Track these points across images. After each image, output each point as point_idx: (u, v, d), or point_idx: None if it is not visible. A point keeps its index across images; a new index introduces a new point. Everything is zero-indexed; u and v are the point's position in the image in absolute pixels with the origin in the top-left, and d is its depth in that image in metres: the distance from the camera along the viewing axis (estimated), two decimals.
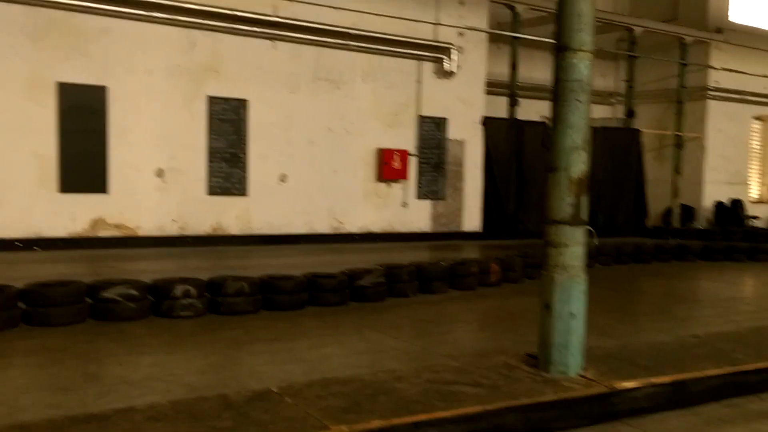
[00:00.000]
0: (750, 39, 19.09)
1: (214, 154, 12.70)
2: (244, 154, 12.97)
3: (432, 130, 15.03)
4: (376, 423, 4.14)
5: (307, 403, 4.38)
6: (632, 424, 4.81)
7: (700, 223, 18.85)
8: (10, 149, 11.01)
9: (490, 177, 15.81)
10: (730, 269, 13.50)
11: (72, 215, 11.52)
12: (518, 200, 16.18)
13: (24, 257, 10.56)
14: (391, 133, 14.49)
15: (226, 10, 12.35)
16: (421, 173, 14.95)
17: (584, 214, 5.08)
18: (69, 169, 11.43)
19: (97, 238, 11.69)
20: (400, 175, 14.49)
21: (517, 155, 16.17)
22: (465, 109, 15.34)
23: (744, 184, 20.11)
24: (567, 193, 5.02)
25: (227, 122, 12.79)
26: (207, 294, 7.61)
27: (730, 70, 18.88)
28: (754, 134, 20.73)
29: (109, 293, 7.09)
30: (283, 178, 13.38)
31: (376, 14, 13.74)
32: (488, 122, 15.71)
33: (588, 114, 5.07)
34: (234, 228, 12.98)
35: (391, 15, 13.90)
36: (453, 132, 15.27)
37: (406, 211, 14.83)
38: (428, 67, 14.83)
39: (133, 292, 7.19)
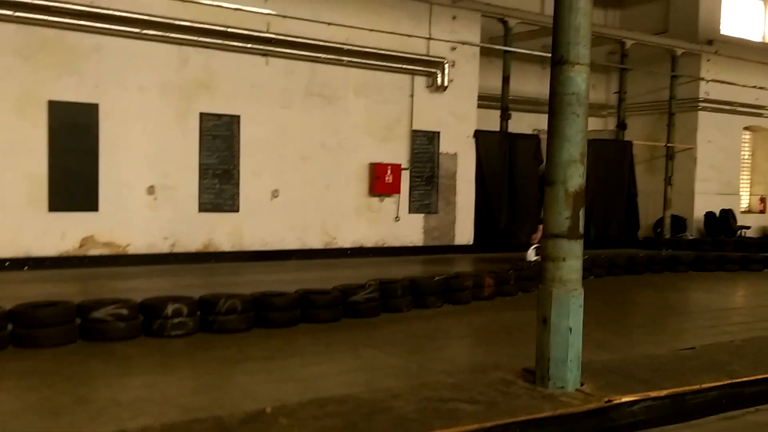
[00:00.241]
0: (740, 50, 19.24)
1: (206, 171, 12.63)
2: (237, 170, 12.92)
3: (424, 144, 15.03)
4: None
5: (302, 423, 4.31)
6: None
7: (692, 234, 18.88)
8: (0, 168, 10.91)
9: (482, 190, 15.80)
10: (722, 279, 13.51)
11: (62, 234, 11.42)
12: (510, 213, 16.16)
13: (13, 277, 10.44)
14: (383, 147, 14.47)
15: (219, 26, 12.33)
16: (413, 187, 14.92)
17: (581, 228, 5.05)
18: (59, 188, 11.34)
19: (87, 256, 11.59)
20: (392, 190, 14.46)
21: (510, 168, 16.18)
22: (457, 122, 15.35)
23: (735, 194, 20.17)
24: (564, 207, 4.99)
25: (219, 139, 12.74)
26: (199, 312, 7.52)
27: (721, 82, 18.99)
28: (745, 145, 20.84)
29: (100, 313, 6.99)
30: (275, 194, 13.32)
31: (368, 29, 13.76)
32: (480, 136, 15.72)
33: (585, 127, 5.06)
34: (226, 245, 12.89)
35: (383, 30, 13.93)
36: (445, 146, 15.27)
37: (398, 225, 14.79)
38: (421, 81, 14.85)
39: (124, 311, 7.09)
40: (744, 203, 20.88)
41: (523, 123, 17.83)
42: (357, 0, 13.81)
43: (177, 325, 7.23)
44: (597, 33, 17.08)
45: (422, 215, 15.09)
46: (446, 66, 14.86)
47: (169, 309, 7.21)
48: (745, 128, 20.51)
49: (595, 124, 19.68)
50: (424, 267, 12.64)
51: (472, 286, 9.79)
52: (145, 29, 11.78)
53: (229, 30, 12.43)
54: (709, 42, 18.99)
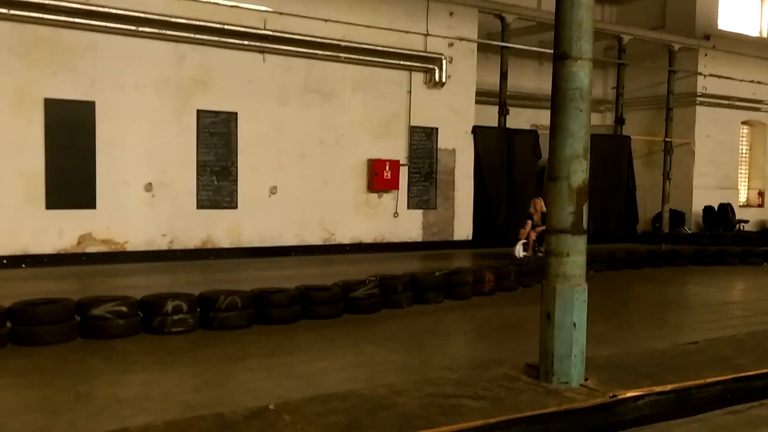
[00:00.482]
0: (738, 45, 19.24)
1: (203, 168, 12.58)
2: (234, 167, 12.87)
3: (423, 140, 14.99)
4: None
5: (306, 420, 4.27)
6: None
7: (690, 228, 18.90)
8: None
9: (480, 186, 15.78)
10: (722, 273, 13.51)
11: (59, 231, 11.36)
12: (509, 208, 16.14)
13: (11, 274, 10.39)
14: (381, 143, 14.43)
15: (215, 23, 12.26)
16: (411, 183, 14.88)
17: (585, 223, 5.01)
18: (56, 185, 11.28)
19: (85, 253, 11.53)
20: (391, 186, 14.42)
21: (508, 164, 16.16)
22: (455, 118, 15.31)
23: (733, 188, 20.19)
24: (568, 202, 4.95)
25: (217, 135, 12.68)
26: (199, 309, 7.47)
27: (719, 77, 19.00)
28: (743, 139, 20.85)
29: (99, 310, 6.95)
30: (273, 191, 13.28)
31: (366, 26, 13.71)
32: (478, 131, 15.69)
33: (588, 122, 5.02)
34: (224, 241, 12.85)
35: (380, 26, 13.89)
36: (444, 141, 15.23)
37: (397, 221, 14.76)
38: (418, 77, 14.80)
39: (124, 308, 7.06)
40: (742, 197, 20.90)
41: (521, 118, 17.82)
42: None
43: (177, 322, 7.19)
44: (594, 28, 17.01)
45: (421, 211, 15.06)
46: (444, 62, 14.81)
47: (169, 306, 7.18)
48: (743, 123, 20.54)
49: (593, 119, 19.41)
50: (424, 263, 12.60)
51: (472, 281, 9.77)
52: (141, 27, 11.71)
53: (226, 27, 12.37)
54: (707, 37, 18.99)
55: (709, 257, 14.57)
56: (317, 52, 13.41)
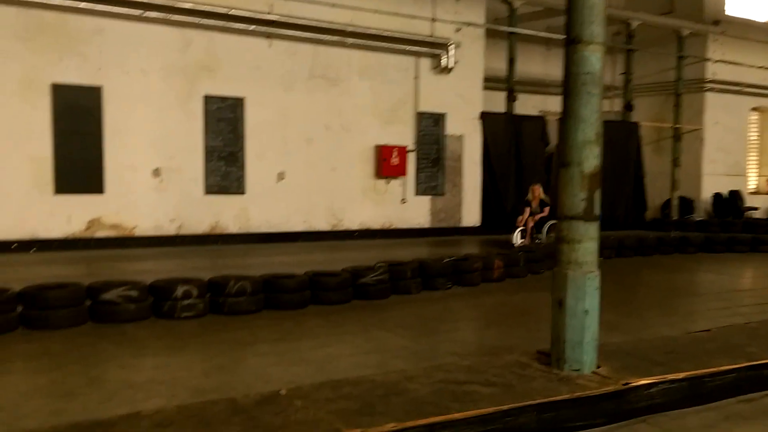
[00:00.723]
0: (747, 31, 19.03)
1: (211, 153, 12.56)
2: (242, 152, 12.84)
3: (430, 126, 14.92)
4: (390, 426, 4.02)
5: (317, 405, 4.27)
6: (649, 421, 4.72)
7: (699, 215, 18.80)
8: (5, 152, 10.86)
9: (488, 172, 15.73)
10: (732, 261, 13.45)
11: (68, 216, 11.38)
12: (517, 195, 16.06)
13: (20, 259, 10.42)
14: (389, 129, 14.37)
15: (222, 8, 12.20)
16: (419, 169, 14.84)
17: (597, 209, 4.97)
18: (64, 171, 11.29)
19: (94, 238, 11.55)
20: (398, 172, 14.38)
21: (516, 150, 16.09)
22: (463, 104, 15.23)
23: (742, 175, 20.07)
24: (580, 189, 4.91)
25: (224, 121, 12.65)
26: (209, 294, 7.48)
27: (728, 62, 18.82)
28: (752, 125, 20.69)
29: (109, 295, 6.97)
30: (281, 176, 13.25)
31: (372, 11, 13.62)
32: (486, 117, 15.62)
33: (600, 107, 4.96)
34: (232, 227, 12.85)
35: (387, 11, 13.79)
36: (451, 127, 15.16)
37: (404, 207, 14.73)
38: (426, 63, 14.72)
39: (134, 293, 7.07)
40: (752, 184, 20.76)
41: (529, 104, 17.72)
42: None
43: (187, 306, 7.20)
44: None
45: (429, 197, 15.03)
46: (451, 47, 14.72)
47: (179, 291, 7.19)
48: (753, 109, 20.37)
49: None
50: (432, 249, 12.59)
51: (481, 267, 9.74)
52: (147, 11, 11.67)
53: (232, 12, 12.31)
54: (715, 22, 18.80)
55: (719, 244, 14.50)
56: (323, 37, 13.34)
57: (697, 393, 5.09)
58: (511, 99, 15.99)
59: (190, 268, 9.27)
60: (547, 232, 12.84)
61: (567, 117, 5.02)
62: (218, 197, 12.68)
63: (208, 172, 12.56)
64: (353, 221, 14.09)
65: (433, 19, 14.61)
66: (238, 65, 12.69)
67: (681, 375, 5.06)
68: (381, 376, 4.94)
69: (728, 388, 5.22)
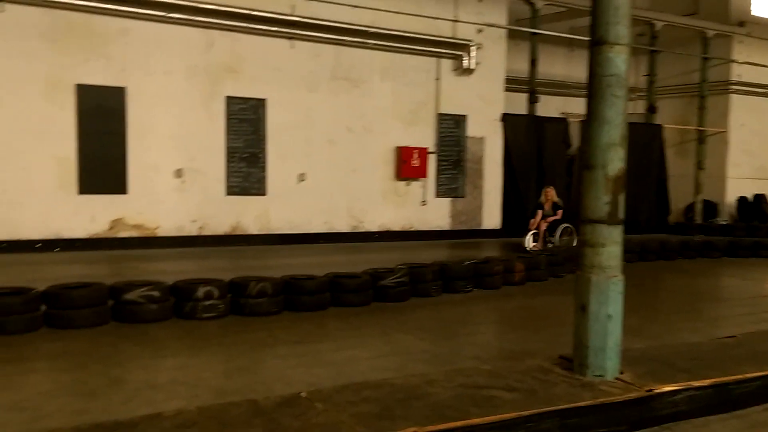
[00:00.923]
0: None
1: (232, 154, 12.62)
2: (263, 153, 12.89)
3: (451, 128, 14.88)
4: (411, 430, 4.00)
5: (338, 408, 4.26)
6: (674, 429, 4.65)
7: (724, 219, 18.57)
8: (30, 151, 10.98)
9: (509, 174, 15.64)
10: (757, 266, 13.26)
11: (91, 216, 11.49)
12: (538, 197, 15.94)
13: (44, 258, 10.54)
14: (410, 131, 14.35)
15: (245, 9, 12.26)
16: (440, 171, 14.80)
17: (621, 213, 4.92)
18: (88, 171, 11.39)
19: (117, 238, 11.65)
20: (419, 173, 14.35)
21: (537, 152, 15.99)
22: (484, 106, 15.17)
23: None
24: (604, 192, 4.85)
25: (246, 122, 12.70)
26: (230, 295, 7.51)
27: (754, 64, 18.57)
28: None
29: (132, 295, 7.02)
30: (302, 178, 13.28)
31: (394, 12, 13.61)
32: (508, 119, 15.53)
33: (625, 109, 4.90)
34: (253, 228, 12.90)
35: (409, 12, 13.77)
36: (472, 129, 15.11)
37: (425, 209, 14.70)
38: (447, 64, 14.68)
39: (156, 293, 7.11)
40: None
41: (551, 106, 17.62)
42: None
43: (208, 307, 7.23)
44: None
45: (449, 199, 14.98)
46: (473, 49, 14.66)
47: (201, 291, 7.22)
48: None
49: None
50: (452, 251, 12.54)
51: (502, 270, 9.68)
52: (171, 12, 11.75)
53: (255, 13, 12.36)
54: (741, 23, 18.58)
55: (744, 249, 14.30)
56: (345, 38, 13.35)
57: (723, 400, 5.01)
58: (532, 100, 15.90)
59: (211, 269, 9.31)
60: (560, 235, 12.68)
61: (591, 119, 4.96)
62: (239, 198, 12.73)
63: (230, 173, 12.62)
64: (373, 223, 14.08)
65: (455, 20, 14.56)
66: (261, 66, 12.74)
67: (706, 382, 4.98)
68: (401, 380, 4.92)
69: (754, 395, 5.14)
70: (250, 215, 12.86)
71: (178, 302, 7.25)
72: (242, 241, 12.69)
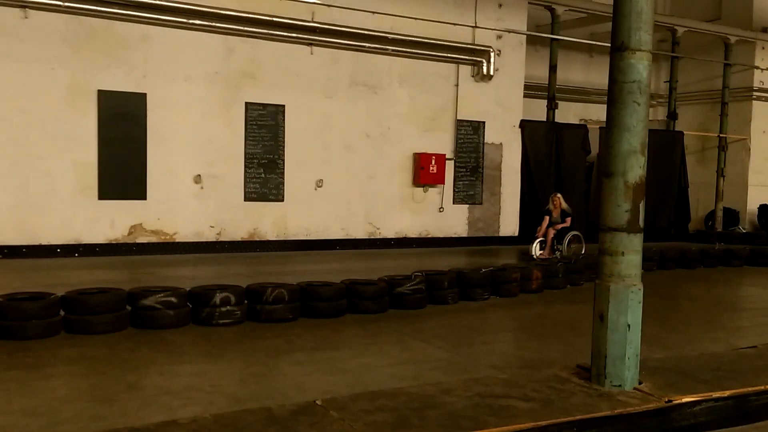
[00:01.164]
0: None
1: (251, 160, 12.68)
2: (281, 159, 12.93)
3: (469, 134, 14.84)
4: None
5: (353, 417, 4.24)
6: None
7: (744, 227, 18.34)
8: (51, 157, 11.09)
9: (527, 181, 15.57)
10: None
11: (111, 221, 11.58)
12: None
13: (64, 263, 10.63)
14: (428, 137, 14.33)
15: (264, 16, 12.32)
16: (457, 177, 14.76)
17: (641, 221, 4.86)
18: (108, 176, 11.49)
19: (136, 244, 11.73)
20: (436, 180, 14.31)
21: (556, 159, 15.90)
22: (503, 112, 15.11)
23: None
24: (623, 199, 4.80)
25: (264, 128, 12.75)
26: (246, 301, 7.52)
27: None
28: None
29: (149, 301, 7.04)
30: (319, 184, 13.30)
31: (414, 18, 13.62)
32: (526, 125, 15.47)
33: (646, 117, 4.85)
34: (270, 234, 12.93)
35: (428, 18, 13.78)
36: (491, 136, 15.06)
37: (442, 215, 14.65)
38: (466, 70, 14.65)
39: (173, 299, 7.13)
40: None
41: (570, 113, 17.54)
42: None
43: (225, 313, 7.24)
44: None
45: (467, 206, 14.93)
46: (492, 55, 14.63)
47: (218, 298, 7.23)
48: None
49: None
50: (469, 258, 12.49)
51: (519, 278, 9.62)
52: (191, 19, 11.83)
53: (275, 19, 12.41)
54: (764, 29, 18.38)
55: (766, 257, 14.10)
56: (365, 44, 13.37)
57: (743, 412, 4.93)
58: (552, 107, 15.82)
59: (228, 275, 9.34)
60: (569, 243, 12.41)
61: (611, 126, 4.92)
62: (257, 204, 12.77)
63: (248, 179, 12.67)
64: (390, 229, 14.07)
65: (475, 26, 14.54)
66: (280, 72, 12.80)
67: (726, 393, 4.91)
68: (417, 389, 4.89)
69: None
70: (268, 221, 12.89)
71: (195, 308, 7.27)
72: (260, 247, 12.72)
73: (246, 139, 12.62)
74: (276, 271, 10.03)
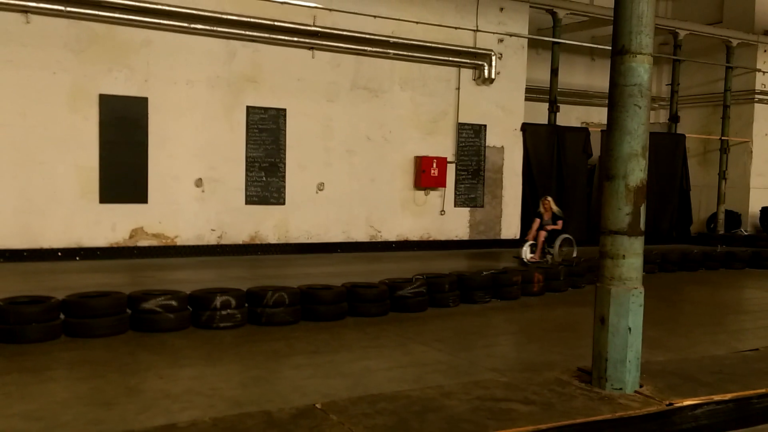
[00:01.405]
0: None
1: (252, 164, 12.68)
2: (283, 163, 12.93)
3: (471, 137, 14.84)
4: None
5: (353, 421, 4.22)
6: None
7: (746, 230, 18.32)
8: (52, 161, 11.10)
9: (529, 184, 15.55)
10: None
11: (112, 225, 11.58)
12: (558, 207, 15.83)
13: (65, 266, 10.63)
14: (429, 140, 14.33)
15: (266, 20, 12.33)
16: (459, 181, 14.75)
17: (642, 224, 4.85)
18: (110, 180, 11.50)
19: (137, 247, 11.73)
20: (438, 183, 14.30)
21: (557, 162, 15.89)
22: (504, 115, 15.11)
23: None
24: (624, 202, 4.80)
25: (266, 132, 12.76)
26: (247, 305, 7.51)
27: None
28: None
29: (150, 304, 7.04)
30: (320, 187, 13.30)
31: (415, 22, 13.64)
32: (528, 128, 15.46)
33: (647, 120, 4.85)
34: (272, 237, 12.93)
35: (430, 22, 13.80)
36: (492, 139, 15.05)
37: (443, 219, 14.65)
38: (467, 73, 14.65)
39: (173, 303, 7.13)
40: None
41: (572, 116, 17.53)
42: None
43: (225, 317, 7.23)
44: None
45: (468, 209, 14.92)
46: (493, 58, 14.62)
47: (218, 301, 7.22)
48: None
49: None
50: (470, 261, 12.47)
51: (521, 281, 9.61)
52: (193, 23, 11.85)
53: (276, 24, 12.43)
54: (766, 32, 18.36)
55: None
56: (366, 48, 13.38)
57: (745, 415, 4.92)
58: (553, 110, 15.80)
59: (229, 278, 9.34)
60: (560, 246, 12.31)
61: (612, 129, 4.92)
62: (258, 207, 12.77)
63: (249, 183, 12.67)
64: (392, 232, 14.06)
65: (476, 30, 14.55)
66: (281, 76, 12.80)
67: (728, 396, 4.89)
68: (417, 392, 4.88)
69: None
70: (269, 224, 12.89)
71: (196, 311, 7.26)
72: (261, 250, 12.72)
73: (247, 143, 12.62)
74: (277, 275, 10.03)
